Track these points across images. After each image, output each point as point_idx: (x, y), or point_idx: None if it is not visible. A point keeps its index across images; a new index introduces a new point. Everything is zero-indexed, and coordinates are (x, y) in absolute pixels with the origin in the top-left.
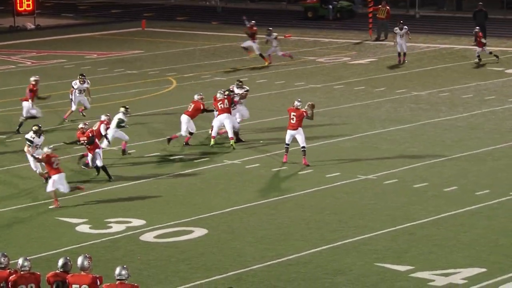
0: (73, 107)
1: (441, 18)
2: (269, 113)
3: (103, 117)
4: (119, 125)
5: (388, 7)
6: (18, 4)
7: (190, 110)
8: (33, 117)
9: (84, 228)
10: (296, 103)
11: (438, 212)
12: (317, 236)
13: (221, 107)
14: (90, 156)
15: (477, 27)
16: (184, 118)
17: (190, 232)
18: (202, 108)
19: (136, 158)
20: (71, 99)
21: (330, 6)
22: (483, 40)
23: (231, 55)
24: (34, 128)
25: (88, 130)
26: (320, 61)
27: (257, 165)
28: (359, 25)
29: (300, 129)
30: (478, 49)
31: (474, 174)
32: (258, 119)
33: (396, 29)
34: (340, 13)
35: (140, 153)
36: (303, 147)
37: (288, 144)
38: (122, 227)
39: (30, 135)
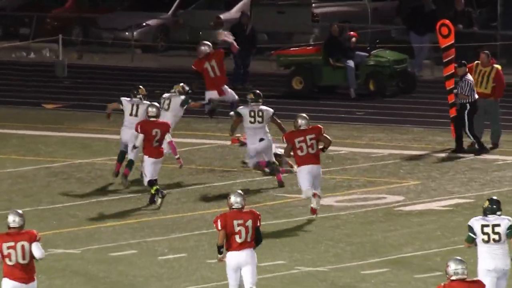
0: None
1: None
2: None
3: None
4: None
5: (497, 66)
6: None
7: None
8: None
9: None
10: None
11: None
12: None
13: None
14: None
15: None
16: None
17: None
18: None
19: None
20: None
21: (350, 63)
22: None
23: None
24: None
25: None
26: (325, 206)
27: None
28: (423, 109)
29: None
30: None
31: None
32: None
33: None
34: (376, 80)
35: None
36: None
37: None
38: None
39: None
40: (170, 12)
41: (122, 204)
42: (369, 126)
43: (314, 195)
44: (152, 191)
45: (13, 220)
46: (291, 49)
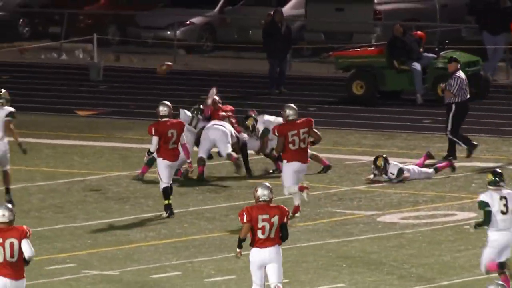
0: None
1: None
2: None
3: None
4: None
5: None
6: None
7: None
8: None
9: None
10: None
11: None
12: None
13: None
14: None
15: None
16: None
17: None
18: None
19: None
20: None
21: (417, 66)
22: None
23: None
24: None
25: None
26: (389, 223)
27: None
28: (497, 117)
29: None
30: None
31: None
32: None
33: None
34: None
35: None
36: None
37: None
38: None
39: None
40: (217, 9)
41: (164, 220)
42: (438, 135)
43: (301, 188)
44: (165, 202)
45: (2, 214)
46: (351, 50)
